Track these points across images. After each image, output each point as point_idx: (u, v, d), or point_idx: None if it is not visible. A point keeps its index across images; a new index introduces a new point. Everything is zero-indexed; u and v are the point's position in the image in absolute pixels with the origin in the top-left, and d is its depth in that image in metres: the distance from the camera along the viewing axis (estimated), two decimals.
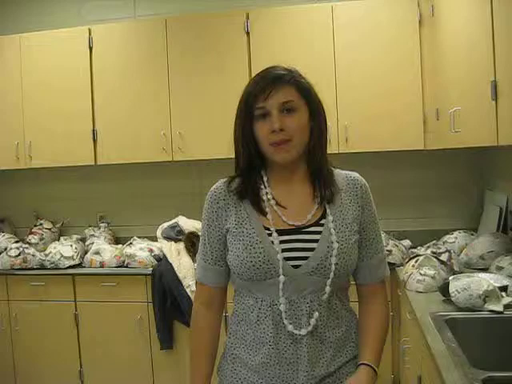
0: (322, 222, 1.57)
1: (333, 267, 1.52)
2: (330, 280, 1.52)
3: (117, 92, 4.16)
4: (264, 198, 1.60)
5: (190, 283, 3.69)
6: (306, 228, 1.56)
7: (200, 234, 1.70)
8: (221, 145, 1.73)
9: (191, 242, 3.93)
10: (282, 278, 1.51)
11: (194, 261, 3.77)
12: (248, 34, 3.95)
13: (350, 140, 3.82)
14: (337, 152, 3.80)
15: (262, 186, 1.61)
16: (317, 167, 1.61)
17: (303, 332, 1.52)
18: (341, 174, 1.65)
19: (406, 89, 3.76)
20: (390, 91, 3.78)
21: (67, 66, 4.19)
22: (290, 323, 1.52)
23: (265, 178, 1.62)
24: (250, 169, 1.61)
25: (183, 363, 3.74)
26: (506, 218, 3.38)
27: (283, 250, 1.53)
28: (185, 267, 3.80)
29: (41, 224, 4.54)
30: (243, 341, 1.60)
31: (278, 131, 1.51)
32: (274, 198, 1.60)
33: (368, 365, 1.56)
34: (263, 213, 1.58)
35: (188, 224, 4.09)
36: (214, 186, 1.66)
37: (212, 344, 1.70)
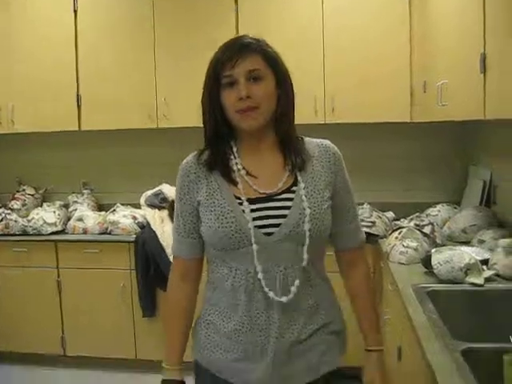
0: (294, 189, 1.58)
1: (307, 233, 1.53)
2: (306, 247, 1.54)
3: (102, 57, 4.09)
4: (234, 168, 1.60)
5: None
6: (277, 195, 1.57)
7: None
8: None
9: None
10: (254, 246, 1.51)
11: None
12: None
13: (336, 110, 3.80)
14: (323, 122, 3.79)
15: (232, 157, 1.61)
16: (285, 135, 1.62)
17: (284, 300, 1.53)
18: (312, 142, 1.67)
19: (395, 56, 3.74)
20: (378, 57, 3.76)
21: (51, 29, 4.09)
22: (270, 290, 1.52)
23: (234, 149, 1.62)
24: (217, 139, 1.61)
25: None
26: (489, 192, 3.40)
27: (255, 219, 1.53)
28: (168, 235, 3.79)
29: (23, 190, 4.47)
30: (217, 307, 1.62)
31: (245, 98, 1.51)
32: (244, 168, 1.60)
33: (377, 350, 1.71)
34: (234, 183, 1.58)
35: (172, 192, 4.06)
36: (184, 160, 1.67)
37: (189, 314, 1.71)
